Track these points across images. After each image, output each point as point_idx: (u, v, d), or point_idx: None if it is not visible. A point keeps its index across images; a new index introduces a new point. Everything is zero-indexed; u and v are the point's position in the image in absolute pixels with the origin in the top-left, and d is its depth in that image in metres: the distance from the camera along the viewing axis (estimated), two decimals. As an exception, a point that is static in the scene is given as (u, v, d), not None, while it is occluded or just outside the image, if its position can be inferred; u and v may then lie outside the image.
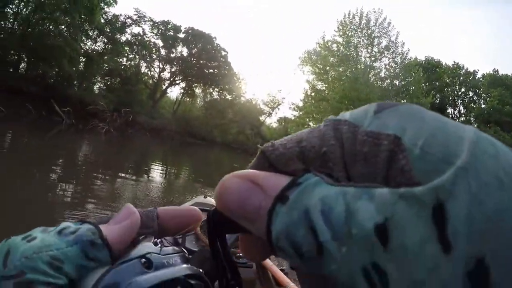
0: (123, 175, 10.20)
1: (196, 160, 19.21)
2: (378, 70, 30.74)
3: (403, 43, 30.81)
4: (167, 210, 0.40)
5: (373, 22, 29.96)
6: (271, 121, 44.43)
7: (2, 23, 19.61)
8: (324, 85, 29.87)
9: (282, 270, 1.87)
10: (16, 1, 20.09)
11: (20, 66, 21.42)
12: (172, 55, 35.09)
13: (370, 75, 29.62)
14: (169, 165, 15.66)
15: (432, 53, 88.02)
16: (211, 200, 2.84)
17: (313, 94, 29.45)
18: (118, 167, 11.28)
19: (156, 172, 12.29)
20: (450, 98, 38.94)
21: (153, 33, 33.87)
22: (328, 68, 29.80)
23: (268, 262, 1.80)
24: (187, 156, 21.19)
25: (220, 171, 17.10)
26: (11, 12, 20.30)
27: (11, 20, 20.37)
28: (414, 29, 76.90)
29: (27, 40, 19.71)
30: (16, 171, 7.41)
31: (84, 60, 23.99)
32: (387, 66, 30.68)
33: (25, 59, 21.38)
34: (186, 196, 8.53)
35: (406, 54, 30.87)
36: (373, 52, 30.01)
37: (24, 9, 20.50)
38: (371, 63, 29.87)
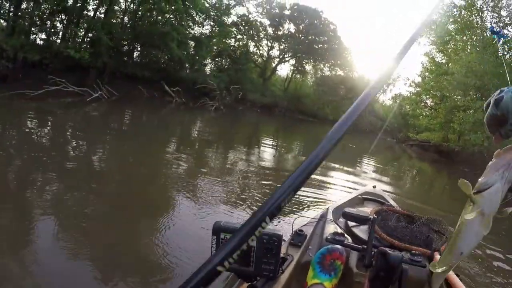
0: (236, 148, 10.06)
1: (309, 138, 17.95)
2: (510, 37, 24.99)
3: (537, -1, 24.07)
4: None
5: (497, -23, 24.22)
6: (385, 98, 41.25)
7: (113, 20, 20.95)
8: (444, 58, 25.43)
9: (457, 275, 1.79)
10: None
11: (134, 55, 22.56)
12: (280, 33, 34.05)
13: (498, 44, 24.15)
14: (280, 140, 14.95)
15: None
16: (380, 191, 3.20)
17: (433, 67, 25.24)
18: (230, 141, 11.14)
19: (268, 147, 11.63)
20: None
21: (258, 12, 33.49)
22: (448, 38, 25.33)
23: (442, 266, 1.92)
24: (299, 133, 20.17)
25: (338, 151, 15.66)
26: (120, 9, 21.55)
27: (121, 17, 21.62)
28: None
29: (137, 31, 20.65)
30: (137, 146, 7.84)
31: (193, 43, 24.55)
32: (520, 32, 24.58)
33: (138, 48, 22.47)
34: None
35: (544, 13, 24.07)
36: (501, 16, 24.34)
37: (132, 5, 21.68)
38: (499, 30, 24.16)
